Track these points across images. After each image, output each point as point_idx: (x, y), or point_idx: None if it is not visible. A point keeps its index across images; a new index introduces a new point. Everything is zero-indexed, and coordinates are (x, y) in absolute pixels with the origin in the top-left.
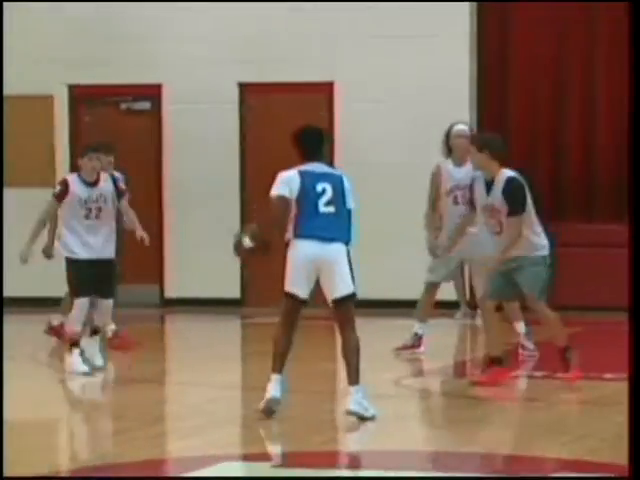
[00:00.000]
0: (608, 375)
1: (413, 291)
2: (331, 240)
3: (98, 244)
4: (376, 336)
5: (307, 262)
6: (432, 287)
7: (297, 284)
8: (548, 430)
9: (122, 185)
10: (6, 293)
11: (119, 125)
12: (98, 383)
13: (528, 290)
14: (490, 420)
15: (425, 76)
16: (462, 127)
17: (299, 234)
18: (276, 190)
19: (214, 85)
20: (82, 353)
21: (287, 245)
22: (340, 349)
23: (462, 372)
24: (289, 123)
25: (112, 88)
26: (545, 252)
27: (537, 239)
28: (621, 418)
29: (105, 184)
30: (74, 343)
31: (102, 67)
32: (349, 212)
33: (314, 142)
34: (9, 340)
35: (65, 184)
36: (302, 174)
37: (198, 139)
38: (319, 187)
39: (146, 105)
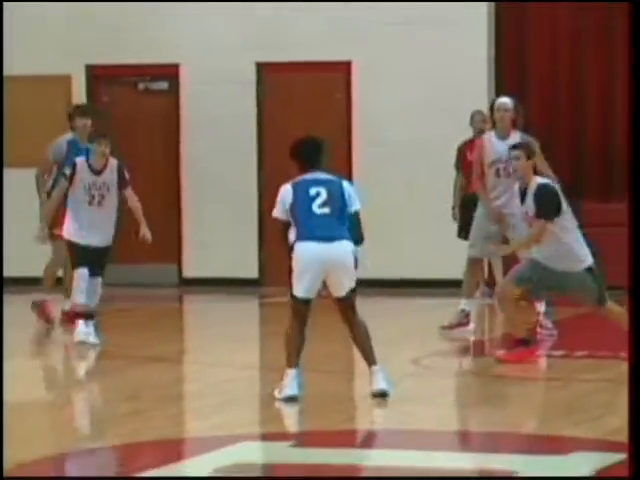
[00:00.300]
0: (624, 354)
1: (435, 270)
2: (333, 239)
3: (97, 233)
4: (398, 315)
5: (313, 263)
6: (474, 262)
7: (304, 286)
8: (568, 409)
9: (126, 174)
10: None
11: (137, 105)
12: (115, 362)
13: (588, 301)
14: (510, 399)
15: (443, 56)
16: (506, 100)
17: (300, 237)
18: (274, 212)
19: (232, 65)
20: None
21: (292, 249)
22: (350, 336)
23: (482, 351)
24: (306, 103)
25: (130, 68)
26: (589, 261)
27: (580, 249)
28: None
29: (110, 174)
30: (80, 314)
31: (120, 47)
32: (354, 214)
33: (311, 153)
34: (21, 320)
35: (74, 167)
36: (295, 185)
37: (216, 119)
38: (312, 191)
39: (164, 85)
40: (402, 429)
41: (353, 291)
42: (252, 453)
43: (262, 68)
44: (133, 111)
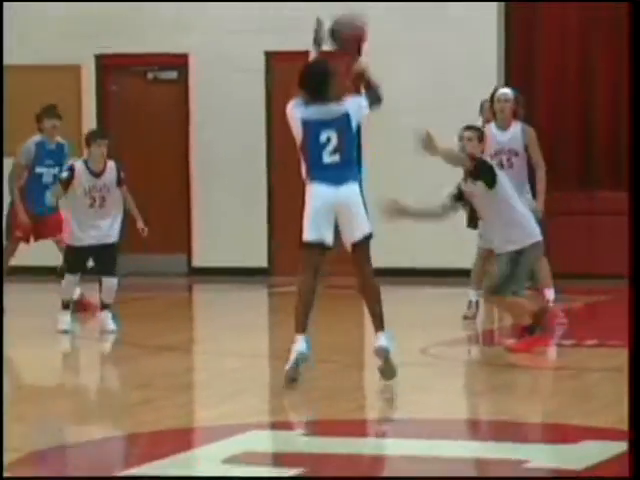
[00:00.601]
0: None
1: (446, 259)
2: (342, 182)
3: (102, 230)
4: (408, 304)
5: (324, 206)
6: (483, 253)
7: (318, 230)
8: (578, 398)
9: (122, 174)
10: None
11: (146, 95)
12: (127, 351)
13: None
14: (519, 388)
15: (452, 55)
16: (506, 91)
17: (312, 178)
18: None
19: (240, 54)
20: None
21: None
22: (361, 295)
23: (491, 340)
24: None
25: (139, 57)
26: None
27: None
28: None
29: (110, 174)
30: (66, 305)
31: (129, 37)
32: (357, 134)
33: (319, 82)
34: (30, 308)
35: (72, 171)
36: (305, 123)
37: (224, 108)
38: (323, 137)
39: (173, 74)
40: (411, 418)
41: (368, 239)
42: (262, 442)
43: (271, 57)
44: (142, 101)
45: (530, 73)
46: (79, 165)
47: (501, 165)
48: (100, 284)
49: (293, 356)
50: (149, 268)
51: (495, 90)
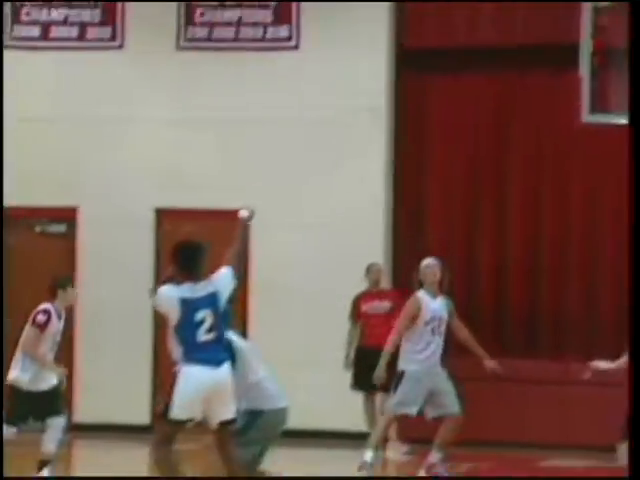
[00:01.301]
0: None
1: (322, 421)
2: (218, 364)
3: (48, 375)
4: (289, 467)
5: (200, 386)
6: (394, 419)
7: (190, 408)
8: None
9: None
10: None
11: (34, 247)
12: None
13: None
14: None
15: (340, 203)
16: (434, 261)
17: (187, 359)
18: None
19: (130, 210)
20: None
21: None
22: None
23: None
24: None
25: (27, 210)
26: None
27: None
28: None
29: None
30: None
31: (19, 190)
32: (227, 312)
33: (191, 258)
34: None
35: (48, 314)
36: (182, 302)
37: (113, 263)
38: (198, 315)
39: (61, 228)
40: None
41: (232, 421)
42: None
43: (161, 214)
44: (30, 254)
45: (418, 221)
46: (51, 308)
47: (433, 332)
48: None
49: None
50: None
51: (423, 260)
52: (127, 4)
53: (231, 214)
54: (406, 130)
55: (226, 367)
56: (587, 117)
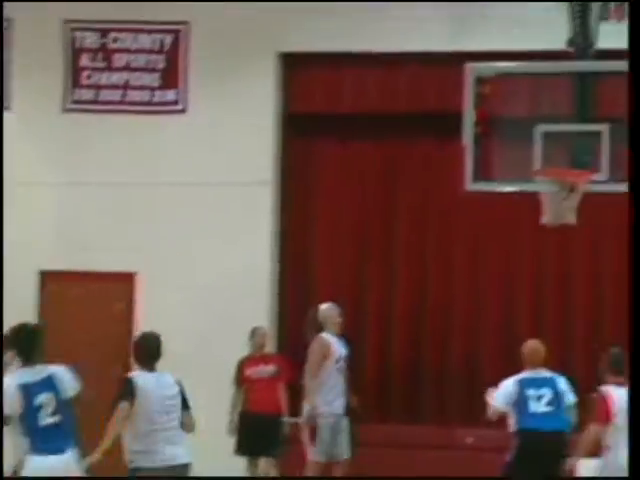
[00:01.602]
0: None
1: None
2: (63, 451)
3: None
4: None
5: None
6: (320, 467)
7: None
8: None
9: None
10: None
11: None
12: None
13: None
14: None
15: (227, 270)
16: (329, 304)
17: (31, 450)
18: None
19: (13, 271)
20: None
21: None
22: None
23: None
24: (89, 312)
25: None
26: None
27: None
28: None
29: None
30: None
31: None
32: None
33: (29, 342)
34: None
35: None
36: (21, 388)
37: None
38: (37, 400)
39: None
40: None
41: None
42: None
43: (45, 276)
44: None
45: (305, 287)
46: None
47: (340, 370)
48: None
49: None
50: None
51: (316, 308)
52: (13, 65)
53: (120, 276)
54: (292, 195)
55: (71, 455)
56: (470, 185)
